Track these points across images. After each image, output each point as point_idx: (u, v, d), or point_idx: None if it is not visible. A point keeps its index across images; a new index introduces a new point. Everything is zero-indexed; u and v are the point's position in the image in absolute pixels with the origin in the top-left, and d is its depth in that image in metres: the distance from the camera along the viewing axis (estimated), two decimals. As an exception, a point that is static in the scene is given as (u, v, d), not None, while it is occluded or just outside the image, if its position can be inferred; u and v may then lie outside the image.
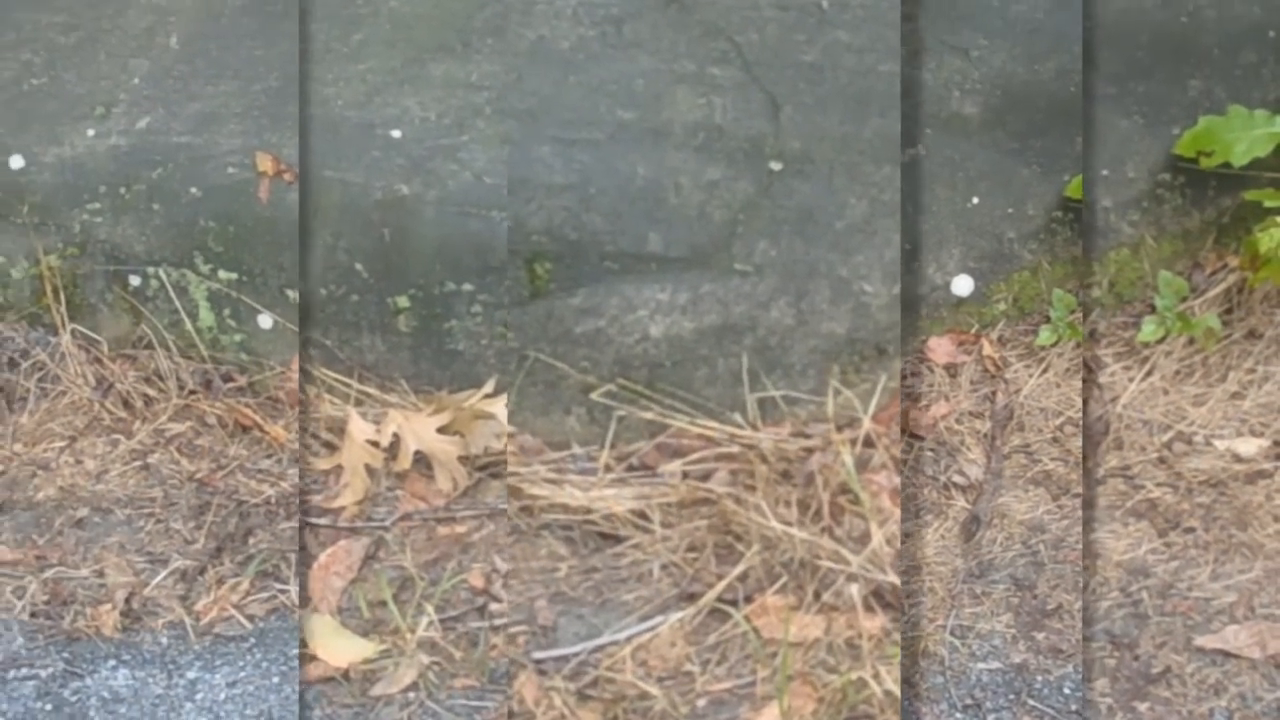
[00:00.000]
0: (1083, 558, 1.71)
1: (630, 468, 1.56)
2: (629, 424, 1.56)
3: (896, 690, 1.46)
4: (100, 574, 1.72)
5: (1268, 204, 1.73)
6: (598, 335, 1.61)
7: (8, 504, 1.74)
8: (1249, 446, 1.72)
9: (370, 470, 1.65)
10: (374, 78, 1.74)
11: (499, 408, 1.61)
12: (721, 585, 1.47)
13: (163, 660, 1.55)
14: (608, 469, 1.54)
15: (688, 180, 1.61)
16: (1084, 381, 1.80)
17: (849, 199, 1.62)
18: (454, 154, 1.63)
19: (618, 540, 1.52)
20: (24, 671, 1.56)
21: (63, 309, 1.83)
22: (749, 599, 1.46)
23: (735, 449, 1.55)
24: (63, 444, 1.79)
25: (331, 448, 1.68)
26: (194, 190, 1.80)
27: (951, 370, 1.86)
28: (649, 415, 1.57)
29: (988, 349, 1.87)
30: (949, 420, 1.81)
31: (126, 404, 1.80)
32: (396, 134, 1.71)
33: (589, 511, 1.51)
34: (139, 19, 1.98)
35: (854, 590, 1.48)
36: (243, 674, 1.53)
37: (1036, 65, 1.89)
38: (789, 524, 1.50)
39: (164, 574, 1.66)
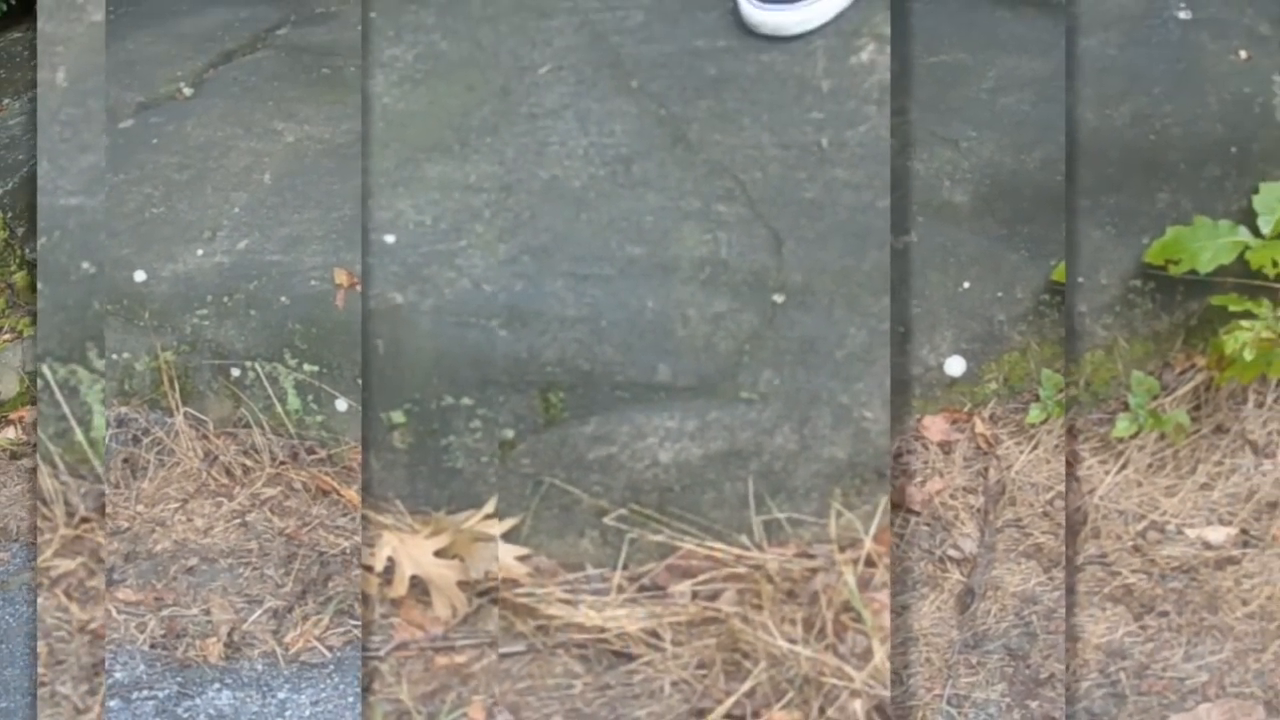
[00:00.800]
0: (1065, 640, 1.64)
1: (642, 588, 1.49)
2: (640, 546, 1.49)
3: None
4: (207, 612, 1.82)
5: (1232, 308, 1.75)
6: (609, 461, 1.53)
7: (132, 555, 1.91)
8: (1218, 534, 1.72)
9: (364, 597, 1.56)
10: (366, 180, 1.77)
11: (500, 530, 1.50)
12: (730, 701, 1.40)
13: (258, 683, 1.70)
14: (620, 589, 1.48)
15: (695, 312, 1.56)
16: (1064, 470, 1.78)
17: (848, 329, 1.58)
18: (451, 260, 1.60)
19: (630, 658, 1.45)
20: (145, 693, 1.73)
21: (177, 395, 2.02)
22: (756, 714, 1.40)
23: (742, 569, 1.51)
24: (176, 505, 1.97)
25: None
26: (283, 299, 2.00)
27: (945, 447, 1.84)
28: (659, 538, 1.51)
29: (980, 427, 1.85)
30: (943, 496, 1.79)
31: (228, 472, 1.97)
32: (390, 239, 1.69)
33: (603, 630, 1.45)
34: (239, 159, 2.19)
35: (857, 706, 1.43)
36: (323, 695, 1.68)
37: (1023, 155, 1.90)
38: (794, 642, 1.45)
39: (259, 612, 1.81)
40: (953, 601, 1.68)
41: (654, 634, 1.46)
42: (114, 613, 1.81)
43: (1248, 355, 1.70)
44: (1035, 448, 1.80)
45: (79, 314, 1.94)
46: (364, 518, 1.60)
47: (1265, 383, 1.78)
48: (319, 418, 1.95)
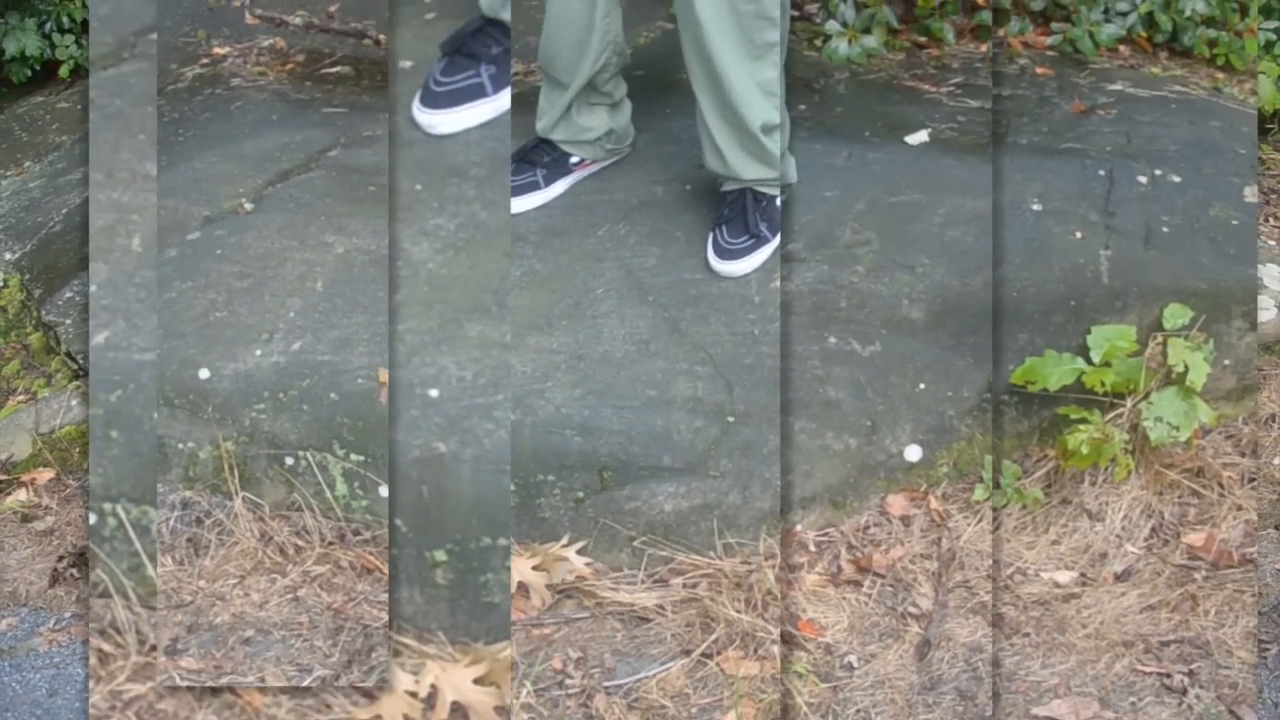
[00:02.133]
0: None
1: (655, 581, 2.15)
2: (654, 558, 2.17)
3: None
4: (262, 680, 1.93)
5: (1073, 416, 2.27)
6: (637, 510, 2.15)
7: (195, 626, 2.03)
8: (1064, 576, 2.20)
9: (408, 720, 1.71)
10: (412, 338, 2.10)
11: (575, 549, 2.14)
12: (703, 645, 2.05)
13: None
14: (642, 582, 2.14)
15: (684, 427, 2.19)
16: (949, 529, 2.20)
17: (769, 436, 2.22)
18: (489, 412, 2.03)
19: (647, 621, 2.10)
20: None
21: (236, 481, 2.15)
22: (720, 653, 2.03)
23: (711, 571, 2.16)
24: (235, 581, 2.10)
25: (371, 696, 1.82)
26: (333, 395, 2.17)
27: (905, 520, 2.26)
28: (664, 553, 2.18)
29: (934, 503, 2.28)
30: (904, 561, 2.20)
31: (282, 552, 2.12)
32: (434, 393, 2.03)
33: (632, 605, 2.10)
34: (294, 269, 2.35)
35: (775, 649, 2.03)
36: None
37: (968, 279, 2.40)
38: (740, 613, 2.08)
39: (309, 679, 1.94)
40: (912, 651, 2.04)
41: (660, 607, 2.10)
42: (177, 679, 1.96)
43: (1084, 450, 2.23)
44: (980, 520, 2.25)
45: (151, 460, 2.13)
46: (407, 646, 1.80)
47: (1097, 468, 2.28)
48: (364, 502, 2.13)
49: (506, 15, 2.44)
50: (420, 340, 2.09)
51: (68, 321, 2.53)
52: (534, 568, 2.07)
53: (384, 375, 2.15)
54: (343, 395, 2.18)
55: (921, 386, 2.30)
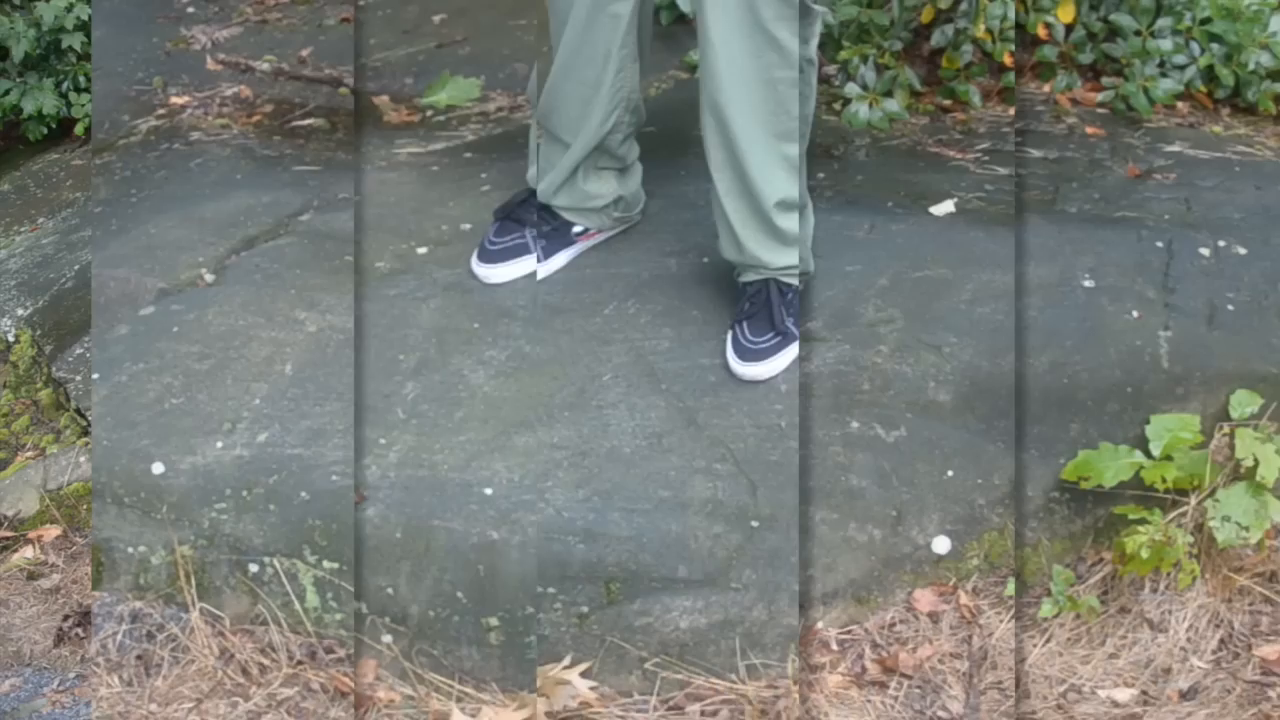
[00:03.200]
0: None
1: (670, 708, 2.04)
2: (668, 681, 2.06)
3: None
4: None
5: (1131, 516, 2.17)
6: (648, 627, 2.05)
7: None
8: (1123, 694, 2.06)
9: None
10: (471, 446, 2.18)
11: (578, 671, 2.09)
12: None
13: None
14: (655, 709, 2.04)
15: (701, 533, 2.09)
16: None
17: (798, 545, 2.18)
18: (534, 506, 2.12)
19: None
20: None
21: (193, 590, 2.09)
22: None
23: (733, 696, 2.05)
24: (190, 705, 2.02)
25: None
26: (304, 494, 2.09)
27: (934, 617, 2.17)
28: (680, 676, 2.07)
29: (964, 599, 2.19)
30: (932, 660, 2.12)
31: (245, 671, 2.04)
32: (489, 491, 2.13)
33: None
34: (260, 349, 2.29)
35: None
36: None
37: (998, 359, 2.31)
38: None
39: None
40: (941, 758, 2.06)
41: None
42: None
43: (1144, 554, 2.13)
44: (1014, 617, 2.17)
45: (303, 514, 2.11)
46: (468, 694, 2.05)
47: (1158, 574, 2.18)
48: (337, 615, 2.05)
49: (551, 199, 2.46)
50: (477, 449, 2.21)
51: (78, 378, 2.53)
52: (535, 692, 2.03)
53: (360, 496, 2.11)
54: (315, 494, 2.10)
55: (949, 474, 2.22)
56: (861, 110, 2.98)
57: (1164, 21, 2.95)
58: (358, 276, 2.35)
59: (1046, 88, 3.06)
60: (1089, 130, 2.92)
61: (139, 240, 2.55)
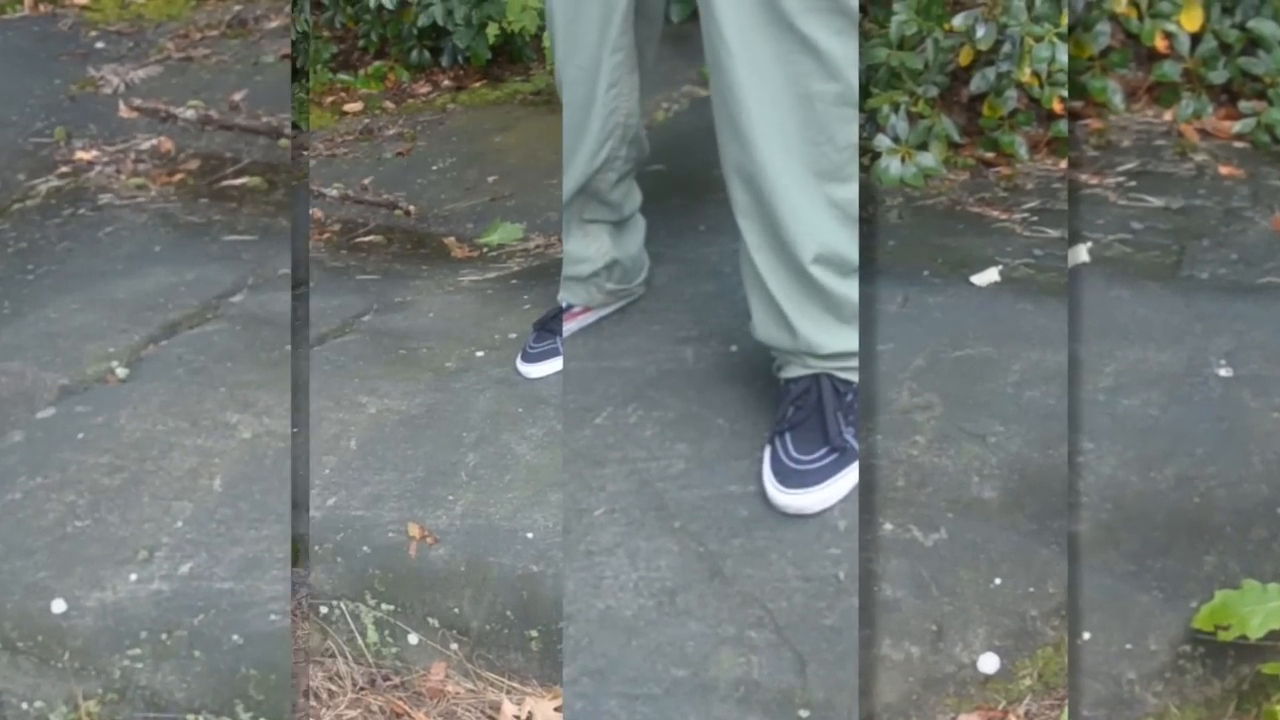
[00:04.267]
0: None
1: None
2: None
3: None
4: None
5: None
6: None
7: None
8: None
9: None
10: (516, 502, 2.18)
11: None
12: None
13: None
14: None
15: None
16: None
17: None
18: (562, 547, 2.11)
19: None
20: None
21: None
22: None
23: None
24: None
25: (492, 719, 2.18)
26: (235, 638, 1.97)
27: None
28: None
29: None
30: None
31: None
32: (530, 535, 2.12)
33: None
34: (183, 460, 2.18)
35: None
36: None
37: (1050, 449, 2.09)
38: None
39: None
40: None
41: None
42: None
43: None
44: None
45: (234, 662, 2.00)
46: (515, 688, 2.10)
47: None
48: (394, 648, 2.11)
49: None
50: (521, 503, 2.17)
51: None
52: (556, 709, 2.02)
53: (416, 528, 2.20)
54: (249, 637, 1.97)
55: (997, 581, 2.01)
56: (893, 165, 2.75)
57: None
58: (427, 373, 2.39)
59: (1168, 116, 2.77)
60: (1223, 170, 2.64)
61: (37, 326, 2.47)
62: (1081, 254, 2.44)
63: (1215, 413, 2.11)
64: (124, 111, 3.07)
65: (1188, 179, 2.62)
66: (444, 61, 4.38)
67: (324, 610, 2.20)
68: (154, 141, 3.00)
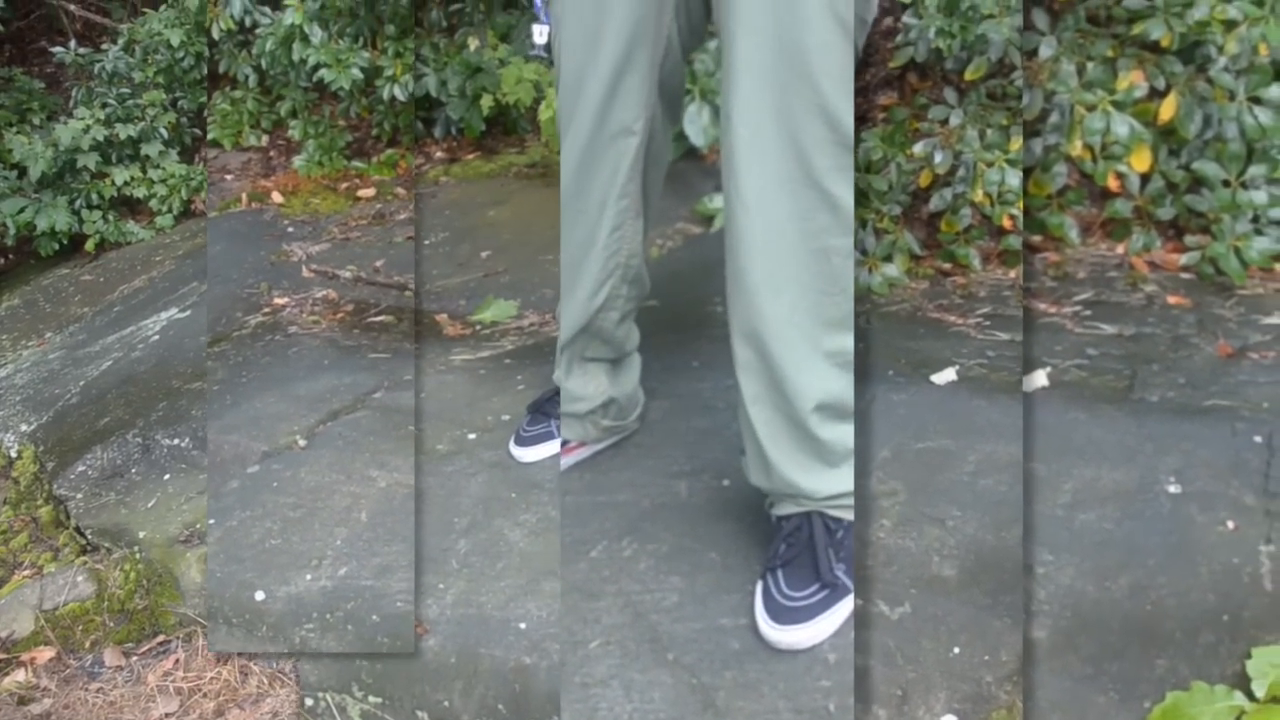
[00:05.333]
0: None
1: None
2: None
3: None
4: None
5: None
6: None
7: None
8: None
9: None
10: (509, 590, 1.96)
11: None
12: None
13: None
14: None
15: None
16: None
17: None
18: (556, 638, 1.85)
19: None
20: None
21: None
22: None
23: None
24: None
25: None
26: (374, 617, 2.02)
27: None
28: None
29: None
30: None
31: None
32: (523, 625, 1.85)
33: None
34: (341, 501, 2.27)
35: None
36: None
37: (1002, 531, 1.85)
38: None
39: None
40: None
41: None
42: None
43: None
44: None
45: (373, 633, 1.98)
46: None
47: None
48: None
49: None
50: (514, 592, 1.95)
51: (79, 495, 2.31)
52: None
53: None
54: (383, 618, 2.04)
55: (956, 650, 1.76)
56: (861, 275, 2.48)
57: (1257, 169, 2.24)
58: (418, 456, 2.27)
59: (1120, 249, 2.42)
60: (1171, 299, 2.30)
61: (248, 412, 2.52)
62: (1040, 379, 2.16)
63: (1165, 527, 1.83)
64: (305, 273, 3.20)
65: (1138, 308, 2.32)
66: (437, 133, 3.75)
67: (309, 703, 1.93)
68: (324, 293, 3.08)
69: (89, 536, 2.23)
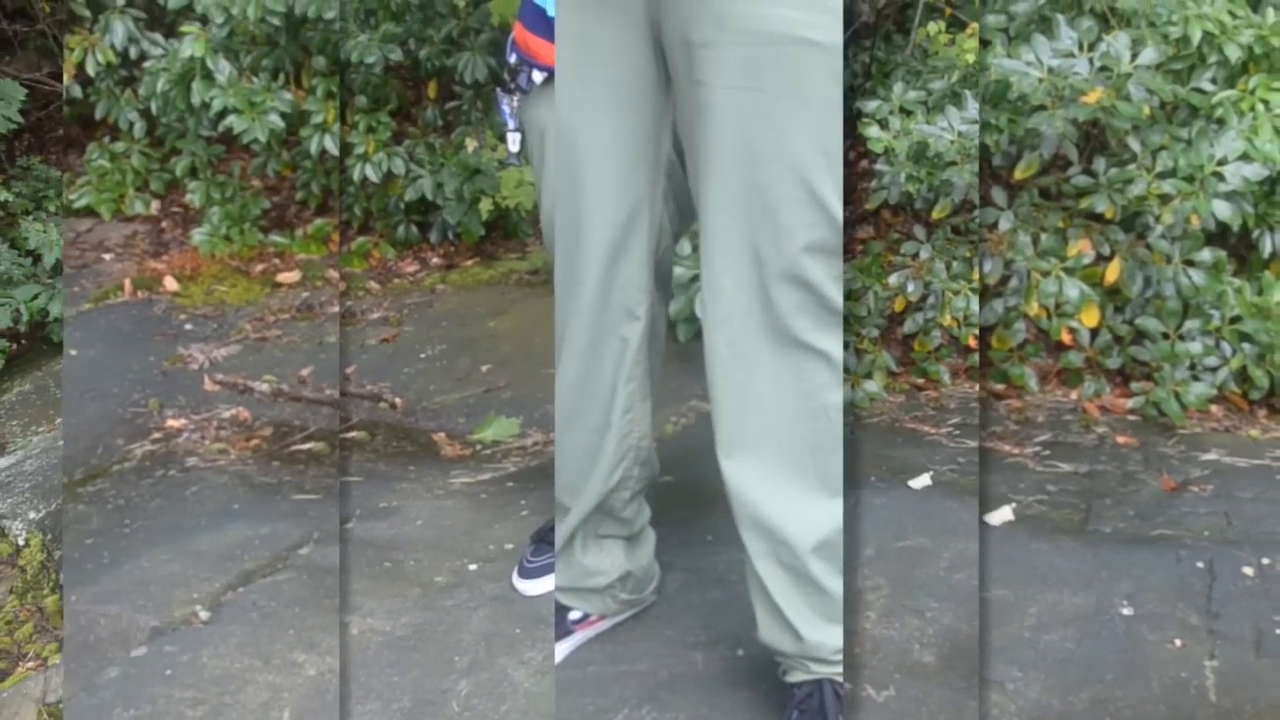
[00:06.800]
0: None
1: None
2: None
3: None
4: None
5: None
6: None
7: None
8: None
9: None
10: None
11: None
12: None
13: None
14: None
15: None
16: None
17: None
18: None
19: None
20: None
21: None
22: None
23: None
24: None
25: None
26: None
27: None
28: None
29: None
30: None
31: None
32: None
33: None
34: (257, 694, 2.30)
35: None
36: None
37: (974, 622, 2.44)
38: None
39: None
40: None
41: None
42: None
43: None
44: None
45: None
46: None
47: None
48: None
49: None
50: None
51: None
52: None
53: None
54: None
55: None
56: (845, 391, 3.13)
57: (1192, 323, 3.11)
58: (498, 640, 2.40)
59: (1074, 395, 3.22)
60: (1120, 440, 3.05)
61: (132, 575, 2.59)
62: (1006, 513, 2.81)
63: (1120, 645, 2.41)
64: (208, 385, 3.27)
65: (1091, 448, 3.04)
66: (433, 238, 4.05)
67: None
68: (233, 411, 3.16)
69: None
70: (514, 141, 2.34)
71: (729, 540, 2.26)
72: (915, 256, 3.37)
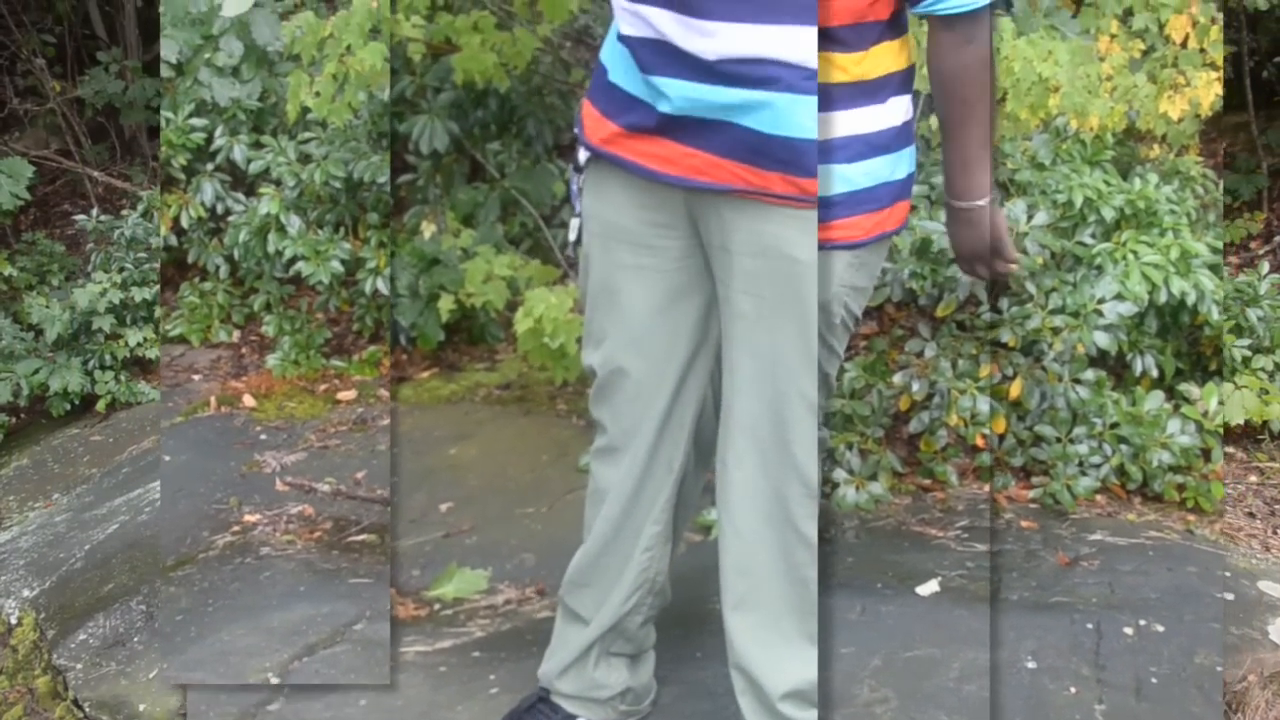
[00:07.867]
0: None
1: None
2: None
3: None
4: None
5: None
6: None
7: None
8: None
9: None
10: None
11: None
12: None
13: None
14: None
15: None
16: None
17: None
18: None
19: None
20: None
21: None
22: None
23: None
24: None
25: None
26: None
27: None
28: None
29: None
30: None
31: None
32: None
33: None
34: None
35: None
36: None
37: None
38: None
39: None
40: None
41: None
42: None
43: None
44: None
45: None
46: None
47: None
48: None
49: (554, 682, 2.29)
50: None
51: (78, 666, 2.45)
52: None
53: None
54: None
55: None
56: (849, 493, 3.07)
57: (1080, 429, 3.26)
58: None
59: (986, 488, 3.30)
60: (1024, 524, 3.15)
61: (214, 647, 2.62)
62: (933, 586, 2.78)
63: (1026, 693, 2.47)
64: (279, 486, 3.32)
65: (1001, 531, 3.08)
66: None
67: None
68: (300, 508, 3.21)
69: (87, 710, 2.31)
70: (573, 229, 2.09)
71: (715, 657, 2.23)
72: (920, 354, 3.21)
